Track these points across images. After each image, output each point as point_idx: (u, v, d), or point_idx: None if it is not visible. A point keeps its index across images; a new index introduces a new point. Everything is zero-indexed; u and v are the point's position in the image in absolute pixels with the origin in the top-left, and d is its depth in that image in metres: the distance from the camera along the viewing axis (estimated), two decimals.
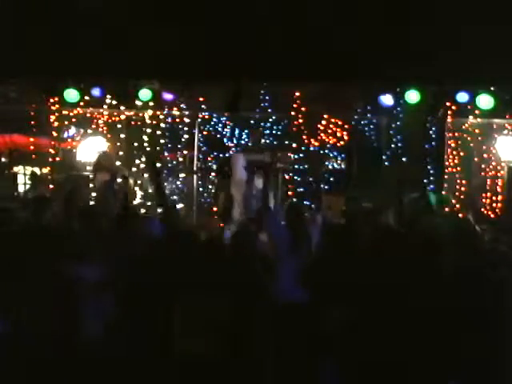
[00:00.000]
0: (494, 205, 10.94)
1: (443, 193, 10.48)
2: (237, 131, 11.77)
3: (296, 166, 11.20)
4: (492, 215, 10.78)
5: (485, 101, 10.51)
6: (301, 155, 11.14)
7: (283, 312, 5.58)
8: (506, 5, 9.27)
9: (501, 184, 11.04)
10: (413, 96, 10.60)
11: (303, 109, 10.94)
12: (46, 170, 11.57)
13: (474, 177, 11.07)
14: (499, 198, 10.99)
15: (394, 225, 9.04)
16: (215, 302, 5.24)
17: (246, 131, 11.80)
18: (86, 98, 11.06)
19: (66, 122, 11.45)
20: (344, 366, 5.24)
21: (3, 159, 12.33)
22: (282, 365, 5.42)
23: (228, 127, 11.68)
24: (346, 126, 11.20)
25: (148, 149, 11.38)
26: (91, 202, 10.88)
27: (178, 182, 11.59)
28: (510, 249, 6.22)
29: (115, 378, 5.28)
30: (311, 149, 11.12)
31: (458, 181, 10.95)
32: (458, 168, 11.00)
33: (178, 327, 5.34)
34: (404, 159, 10.81)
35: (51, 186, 10.99)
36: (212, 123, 11.61)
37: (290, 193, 11.26)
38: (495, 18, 9.36)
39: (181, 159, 11.71)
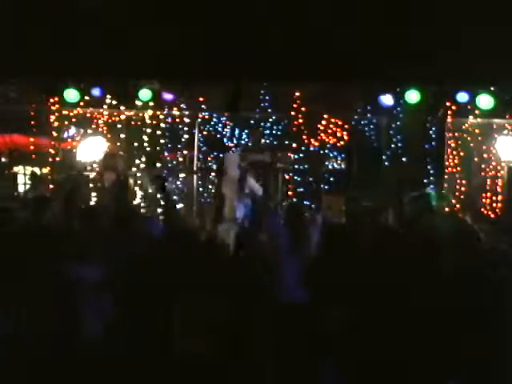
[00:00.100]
0: (494, 205, 10.94)
1: (442, 192, 10.47)
2: (237, 131, 11.77)
3: (296, 166, 11.19)
4: (492, 215, 10.77)
5: (485, 101, 10.51)
6: (301, 155, 11.14)
7: (283, 312, 5.58)
8: (506, 5, 9.27)
9: (501, 184, 11.04)
10: (413, 96, 10.60)
11: (303, 109, 10.94)
12: (46, 170, 11.57)
13: (474, 177, 11.06)
14: (499, 197, 10.99)
15: (393, 225, 9.07)
16: (215, 302, 5.24)
17: (246, 131, 11.80)
18: (86, 98, 11.06)
19: (66, 122, 11.43)
20: (344, 366, 5.24)
21: (3, 159, 12.33)
22: (281, 365, 5.42)
23: (228, 127, 11.67)
24: (346, 126, 11.20)
25: (148, 149, 11.38)
26: (91, 202, 10.94)
27: (178, 182, 11.59)
28: (510, 248, 6.22)
29: (115, 378, 5.28)
30: (311, 149, 11.11)
31: (458, 181, 10.94)
32: (458, 168, 11.00)
33: (177, 327, 5.34)
34: (404, 159, 10.80)
35: (51, 186, 10.99)
36: (212, 123, 11.62)
37: (290, 193, 11.27)
38: (495, 18, 9.37)
39: (181, 159, 11.71)
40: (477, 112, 10.69)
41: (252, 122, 11.62)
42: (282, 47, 9.73)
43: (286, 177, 11.57)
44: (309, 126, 11.04)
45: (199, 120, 11.53)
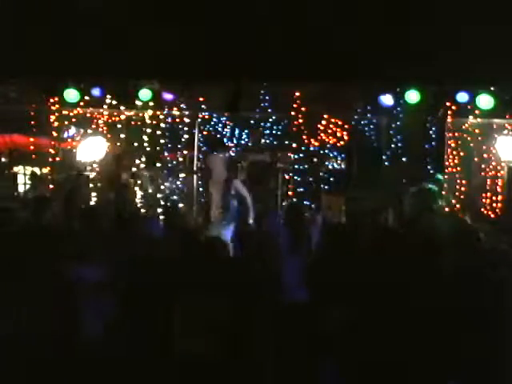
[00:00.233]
0: (494, 205, 10.93)
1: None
2: (237, 131, 11.77)
3: (296, 166, 11.19)
4: (492, 215, 10.77)
5: (485, 101, 10.50)
6: (301, 155, 11.14)
7: (283, 312, 5.58)
8: (506, 5, 9.27)
9: (501, 184, 11.03)
10: (413, 96, 10.59)
11: (303, 109, 10.93)
12: (46, 170, 11.56)
13: (474, 177, 11.05)
14: (499, 197, 10.98)
15: (393, 225, 9.07)
16: (215, 302, 5.24)
17: (246, 131, 11.80)
18: (86, 98, 11.05)
19: (66, 122, 11.43)
20: (344, 366, 5.24)
21: (3, 159, 12.33)
22: (281, 365, 5.42)
23: (228, 127, 11.68)
24: (346, 126, 11.19)
25: (148, 149, 11.38)
26: (91, 202, 10.95)
27: (178, 182, 11.58)
28: (510, 248, 6.22)
29: (115, 378, 5.28)
30: (311, 149, 11.11)
31: (458, 181, 10.93)
32: (458, 168, 10.99)
33: (177, 327, 5.34)
34: (404, 159, 10.80)
35: (51, 186, 10.99)
36: (212, 123, 11.62)
37: (290, 193, 11.27)
38: (495, 18, 9.36)
39: (181, 159, 11.70)
40: (477, 112, 10.69)
41: (252, 121, 11.62)
42: (281, 47, 9.73)
43: (286, 177, 11.56)
44: (309, 126, 11.04)
45: (199, 120, 11.53)
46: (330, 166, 11.84)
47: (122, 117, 11.44)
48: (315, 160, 11.18)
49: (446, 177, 10.69)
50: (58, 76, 10.60)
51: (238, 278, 5.48)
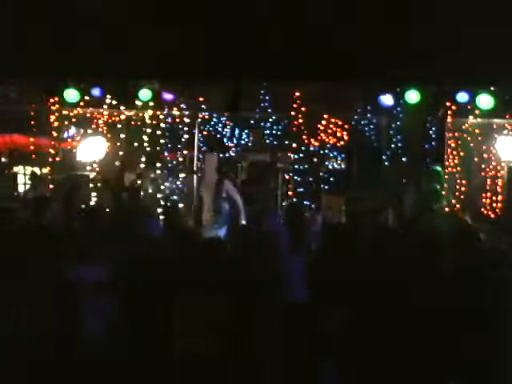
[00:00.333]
0: (494, 205, 10.93)
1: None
2: (237, 131, 11.77)
3: (296, 166, 11.20)
4: (492, 215, 10.77)
5: (485, 101, 10.50)
6: (301, 155, 11.14)
7: (283, 312, 5.58)
8: (506, 5, 9.27)
9: (501, 184, 11.03)
10: (413, 96, 10.59)
11: (303, 109, 10.93)
12: (46, 170, 11.57)
13: (474, 177, 11.05)
14: (499, 197, 10.98)
15: (393, 225, 9.08)
16: (215, 302, 5.24)
17: (246, 131, 11.80)
18: (86, 98, 11.06)
19: (66, 122, 11.43)
20: (344, 366, 5.24)
21: (3, 159, 12.33)
22: (281, 365, 5.41)
23: (228, 127, 11.68)
24: (346, 126, 11.20)
25: (148, 149, 11.39)
26: (92, 202, 10.95)
27: (178, 182, 11.58)
28: (510, 248, 6.22)
29: (115, 379, 5.28)
30: (311, 149, 11.11)
31: (458, 181, 10.93)
32: (458, 168, 10.99)
33: (177, 327, 5.34)
34: (404, 159, 10.80)
35: (51, 186, 10.99)
36: (212, 123, 11.62)
37: (290, 193, 11.27)
38: (495, 18, 9.36)
39: (181, 159, 11.70)
40: (477, 112, 10.69)
41: (252, 121, 11.62)
42: (281, 47, 9.72)
43: (286, 177, 11.56)
44: (309, 126, 11.04)
45: (199, 120, 11.53)
46: (330, 166, 11.85)
47: (122, 117, 11.44)
48: (315, 160, 11.19)
49: (446, 177, 10.68)
50: (58, 76, 10.60)
51: (238, 277, 5.48)
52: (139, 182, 11.14)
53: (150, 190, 11.22)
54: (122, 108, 11.26)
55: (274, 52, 9.72)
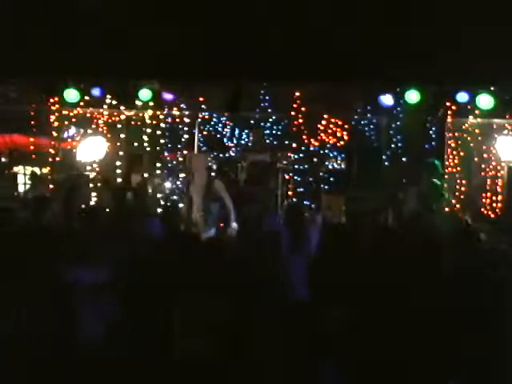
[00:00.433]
0: (494, 205, 10.93)
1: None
2: (237, 131, 11.77)
3: (296, 166, 11.20)
4: (492, 215, 10.77)
5: (485, 101, 10.50)
6: (301, 155, 11.14)
7: (283, 312, 5.58)
8: (506, 5, 9.27)
9: (501, 184, 11.03)
10: (413, 96, 10.59)
11: (303, 109, 10.94)
12: (46, 170, 11.56)
13: (474, 177, 11.05)
14: (499, 197, 10.98)
15: (393, 225, 9.08)
16: (215, 302, 5.24)
17: (246, 131, 11.80)
18: (86, 97, 11.06)
19: (66, 122, 11.44)
20: (344, 366, 5.24)
21: (3, 159, 12.32)
22: (281, 365, 5.41)
23: (228, 127, 11.67)
24: (346, 126, 11.20)
25: (148, 149, 11.38)
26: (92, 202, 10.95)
27: (178, 182, 11.58)
28: (510, 248, 6.22)
29: (116, 379, 5.28)
30: (311, 149, 11.11)
31: (458, 181, 10.93)
32: (458, 168, 10.99)
33: (178, 327, 5.34)
34: (404, 159, 10.80)
35: (51, 186, 10.99)
36: (212, 123, 11.61)
37: (290, 193, 11.26)
38: (495, 18, 9.36)
39: (181, 159, 11.70)
40: (477, 112, 10.69)
41: (252, 121, 11.62)
42: (281, 47, 9.73)
43: (286, 177, 11.56)
44: (309, 126, 11.04)
45: (199, 120, 11.53)
46: (330, 166, 11.84)
47: (122, 117, 11.44)
48: (315, 160, 11.19)
49: (446, 177, 10.69)
50: (58, 76, 10.60)
51: (238, 277, 5.47)
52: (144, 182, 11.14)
53: (150, 190, 11.22)
54: (122, 108, 11.27)
55: (274, 52, 9.72)
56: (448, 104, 10.69)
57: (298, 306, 5.68)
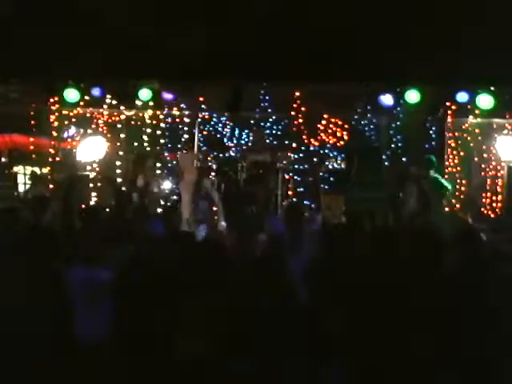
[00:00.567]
0: (494, 205, 10.93)
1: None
2: (237, 131, 11.77)
3: (296, 166, 11.20)
4: (492, 215, 10.77)
5: (485, 101, 10.51)
6: (301, 155, 11.14)
7: (283, 312, 5.57)
8: (506, 5, 9.28)
9: (501, 184, 11.03)
10: (413, 96, 10.60)
11: (303, 109, 10.94)
12: (45, 170, 11.57)
13: (474, 177, 11.06)
14: (499, 197, 10.98)
15: (393, 224, 9.08)
16: (215, 303, 5.24)
17: (246, 131, 11.80)
18: (86, 97, 11.06)
19: (66, 122, 11.44)
20: (344, 367, 5.24)
21: (3, 159, 12.33)
22: (282, 365, 5.41)
23: (228, 127, 11.68)
24: (346, 126, 11.20)
25: (148, 149, 11.39)
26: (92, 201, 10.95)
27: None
28: (510, 248, 6.23)
29: (116, 379, 5.28)
30: (311, 149, 11.12)
31: (458, 181, 10.94)
32: (458, 168, 11.00)
33: (178, 328, 5.33)
34: (404, 159, 10.81)
35: (51, 186, 10.99)
36: (212, 123, 11.62)
37: (290, 193, 11.27)
38: (495, 18, 9.37)
39: None
40: (477, 112, 10.69)
41: (252, 121, 11.62)
42: (281, 47, 9.73)
43: (286, 177, 11.56)
44: (309, 126, 11.04)
45: (199, 120, 11.53)
46: (330, 166, 11.85)
47: (122, 117, 11.44)
48: (315, 160, 11.20)
49: (446, 177, 10.69)
50: (58, 76, 10.60)
51: (238, 277, 5.47)
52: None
53: (156, 190, 11.21)
54: (122, 108, 11.27)
55: (274, 52, 9.73)
56: (448, 104, 10.70)
57: (297, 307, 5.68)
